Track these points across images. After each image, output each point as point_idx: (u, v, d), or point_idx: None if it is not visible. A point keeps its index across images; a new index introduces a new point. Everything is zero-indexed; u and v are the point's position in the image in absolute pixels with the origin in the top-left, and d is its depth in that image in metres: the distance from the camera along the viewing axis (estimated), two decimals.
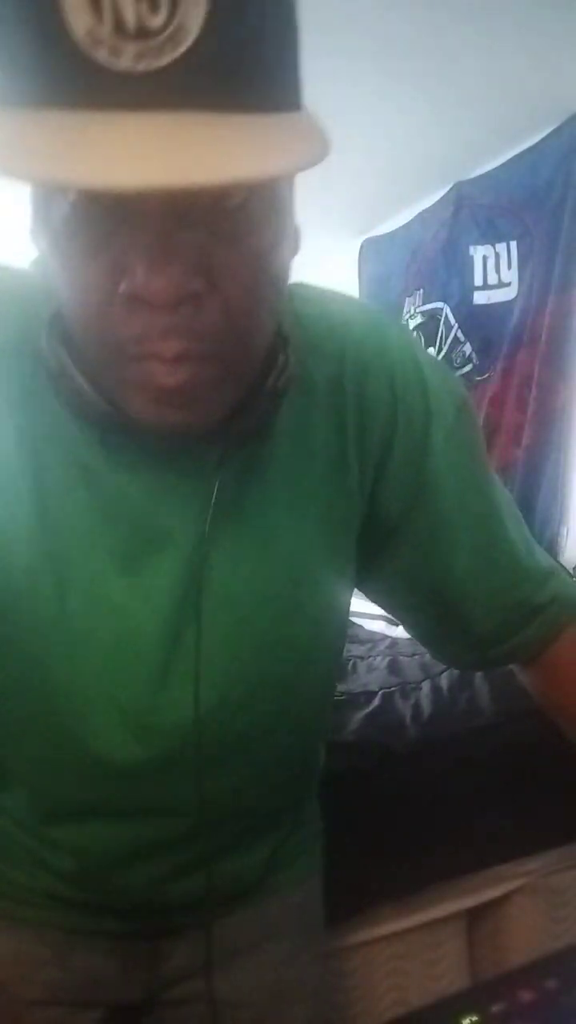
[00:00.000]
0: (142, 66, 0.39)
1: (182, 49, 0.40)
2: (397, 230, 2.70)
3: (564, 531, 2.06)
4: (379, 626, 2.03)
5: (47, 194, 0.47)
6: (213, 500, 0.59)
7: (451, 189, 2.49)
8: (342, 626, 0.74)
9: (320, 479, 0.65)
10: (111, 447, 0.59)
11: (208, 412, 0.52)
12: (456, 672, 1.52)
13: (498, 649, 0.74)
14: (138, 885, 0.70)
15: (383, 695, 1.44)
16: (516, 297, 2.29)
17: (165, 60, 0.39)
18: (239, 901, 0.75)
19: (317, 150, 0.43)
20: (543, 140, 2.16)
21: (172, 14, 0.39)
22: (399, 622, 0.79)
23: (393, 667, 1.60)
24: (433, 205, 2.54)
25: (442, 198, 2.52)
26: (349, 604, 0.73)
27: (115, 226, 0.45)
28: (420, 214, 2.58)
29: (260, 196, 0.48)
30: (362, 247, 2.87)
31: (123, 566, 0.60)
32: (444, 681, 1.49)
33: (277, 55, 0.44)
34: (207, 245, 0.47)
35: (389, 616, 2.16)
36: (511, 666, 0.78)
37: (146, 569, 0.61)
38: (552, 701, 0.77)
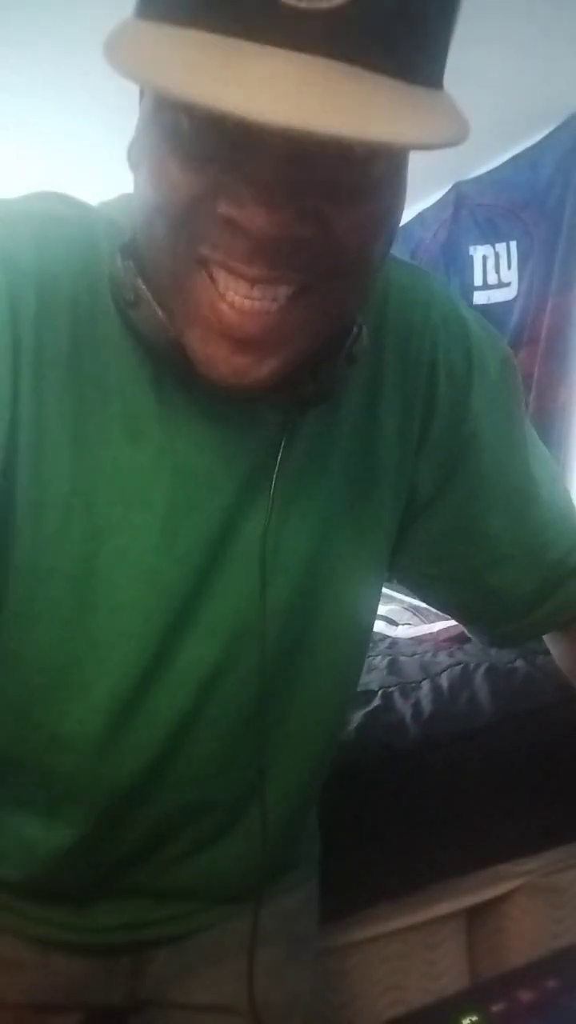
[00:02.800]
0: (306, 3, 0.39)
1: None
2: None
3: None
4: (379, 626, 2.04)
5: (160, 100, 0.45)
6: (276, 470, 0.58)
7: (451, 189, 2.49)
8: (375, 608, 0.73)
9: (356, 451, 0.63)
10: (165, 398, 0.56)
11: (274, 365, 0.49)
12: (456, 672, 1.52)
13: (536, 614, 0.72)
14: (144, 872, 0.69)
15: (383, 694, 1.44)
16: (516, 297, 2.30)
17: (334, 2, 0.39)
18: (232, 903, 0.74)
19: (463, 130, 0.42)
20: (543, 140, 2.16)
21: None
22: (429, 601, 0.77)
23: (393, 667, 1.60)
24: (433, 205, 2.54)
25: (442, 198, 2.53)
26: (382, 585, 0.72)
27: (230, 148, 0.43)
28: (420, 214, 2.58)
29: (387, 158, 0.46)
30: None
31: (160, 523, 0.58)
32: (444, 681, 1.50)
33: (436, 30, 0.43)
34: (322, 192, 0.45)
35: (389, 616, 2.17)
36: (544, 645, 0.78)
37: (183, 529, 0.59)
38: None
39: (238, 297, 0.47)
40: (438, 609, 0.80)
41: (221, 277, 0.47)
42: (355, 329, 0.55)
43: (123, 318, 0.53)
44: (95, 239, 0.56)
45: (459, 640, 1.80)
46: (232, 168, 0.44)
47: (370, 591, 0.70)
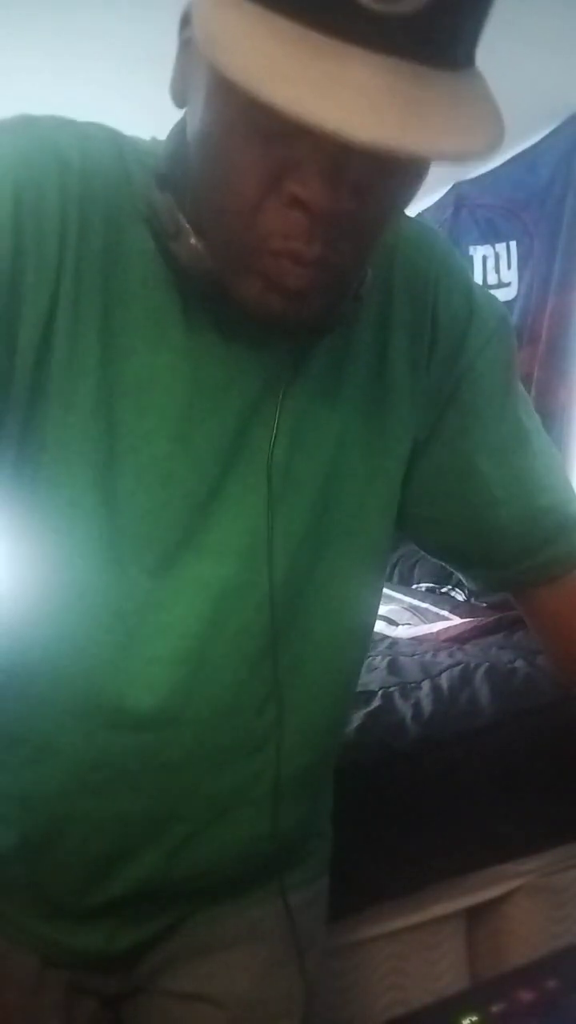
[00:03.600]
0: (382, 6, 0.42)
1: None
2: None
3: None
4: (379, 626, 2.04)
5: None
6: (284, 388, 0.62)
7: (451, 189, 2.50)
8: (388, 548, 0.74)
9: (368, 383, 0.67)
10: (188, 313, 0.59)
11: (310, 310, 0.55)
12: (456, 672, 1.52)
13: (527, 562, 0.73)
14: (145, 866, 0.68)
15: (383, 694, 1.44)
16: (516, 297, 2.30)
17: (408, 7, 0.42)
18: (233, 890, 0.73)
19: (500, 129, 0.47)
20: (543, 140, 2.16)
21: None
22: (426, 546, 0.78)
23: (393, 667, 1.60)
24: (433, 205, 2.55)
25: (442, 198, 2.53)
26: (392, 527, 0.73)
27: (297, 132, 0.45)
28: (420, 214, 2.58)
29: None
30: None
31: (173, 429, 0.60)
32: (444, 681, 1.50)
33: (481, 22, 0.48)
34: (369, 171, 0.49)
35: (389, 616, 2.17)
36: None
37: (197, 436, 0.61)
38: (562, 633, 0.76)
39: (297, 280, 0.53)
40: (433, 555, 0.80)
41: (282, 262, 0.52)
42: (367, 268, 0.60)
43: (159, 245, 0.57)
44: (125, 160, 0.59)
45: (459, 640, 1.80)
46: (298, 148, 0.48)
47: (384, 524, 0.71)
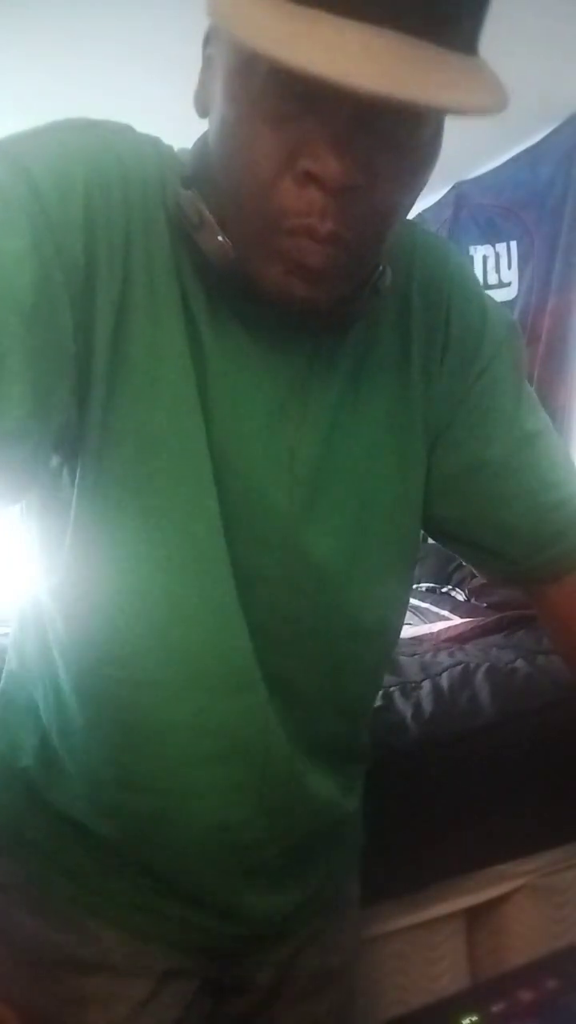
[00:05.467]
0: None
1: None
2: None
3: None
4: None
5: (246, 62, 0.51)
6: (307, 384, 0.64)
7: (451, 189, 2.50)
8: (417, 547, 0.76)
9: (391, 384, 0.69)
10: (219, 318, 0.61)
11: (330, 294, 0.57)
12: (456, 672, 1.52)
13: (537, 558, 0.75)
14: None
15: (383, 694, 1.44)
16: (516, 297, 2.30)
17: None
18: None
19: (505, 97, 0.50)
20: (543, 140, 2.16)
21: None
22: (441, 543, 0.80)
23: (393, 667, 1.60)
24: (433, 205, 2.55)
25: (442, 198, 2.53)
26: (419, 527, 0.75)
27: (307, 107, 0.50)
28: (420, 214, 2.58)
29: (432, 121, 0.54)
30: None
31: (205, 429, 0.62)
32: (444, 681, 1.49)
33: (478, 10, 0.51)
34: (377, 147, 0.52)
35: None
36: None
37: (237, 435, 0.63)
38: (572, 629, 0.78)
39: (313, 257, 0.55)
40: (448, 549, 0.81)
41: (299, 241, 0.54)
42: (380, 267, 0.62)
43: (185, 239, 0.59)
44: (162, 168, 0.61)
45: (459, 640, 1.80)
46: (308, 127, 0.51)
47: (415, 523, 0.74)
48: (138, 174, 0.59)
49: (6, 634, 0.77)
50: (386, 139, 0.52)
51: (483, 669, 1.52)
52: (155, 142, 0.63)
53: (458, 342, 0.71)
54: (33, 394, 0.54)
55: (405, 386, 0.70)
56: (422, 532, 0.77)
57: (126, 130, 0.62)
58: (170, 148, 0.63)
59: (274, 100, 0.51)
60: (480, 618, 1.94)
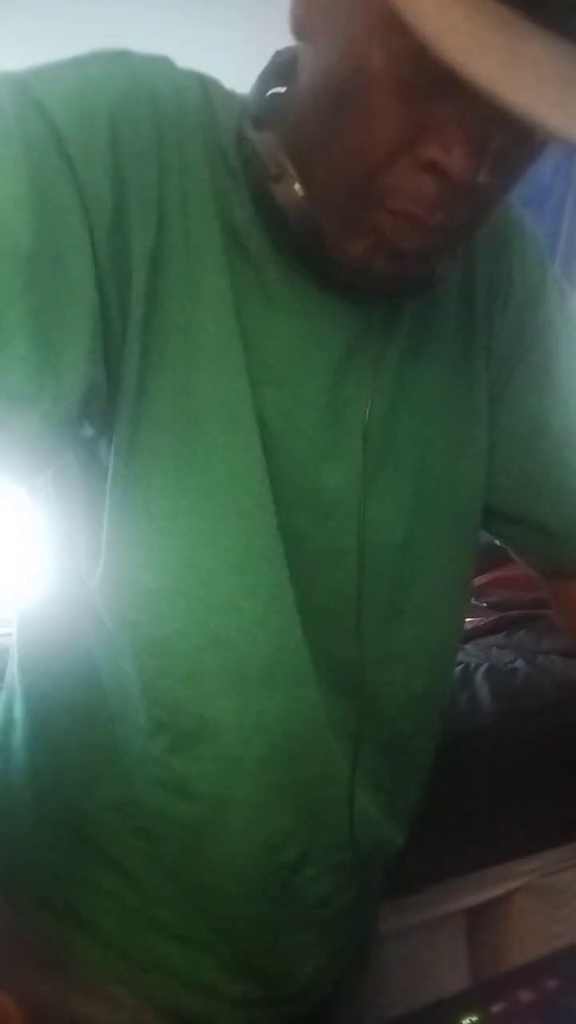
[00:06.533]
0: None
1: None
2: None
3: None
4: None
5: (395, 17, 0.42)
6: (378, 351, 0.60)
7: None
8: (479, 519, 0.71)
9: (455, 341, 0.65)
10: (268, 266, 0.56)
11: (409, 274, 0.54)
12: (456, 672, 1.52)
13: None
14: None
15: None
16: None
17: None
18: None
19: None
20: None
21: None
22: (490, 524, 0.75)
23: None
24: None
25: None
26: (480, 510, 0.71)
27: (451, 91, 0.43)
28: None
29: None
30: None
31: (283, 390, 0.57)
32: None
33: None
34: (508, 147, 0.48)
35: None
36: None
37: (301, 398, 0.58)
38: None
39: (409, 241, 0.51)
40: (492, 528, 0.76)
41: (399, 222, 0.50)
42: None
43: (256, 189, 0.54)
44: (211, 101, 0.56)
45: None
46: (445, 112, 0.46)
47: (477, 497, 0.69)
48: (173, 108, 0.53)
49: (8, 634, 0.75)
50: (519, 141, 0.48)
51: (483, 669, 1.51)
52: (199, 76, 0.56)
53: (520, 295, 0.67)
54: (36, 350, 0.47)
55: (466, 344, 0.65)
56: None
57: (162, 61, 0.55)
58: (219, 83, 0.57)
59: (416, 71, 0.44)
60: (480, 618, 1.94)
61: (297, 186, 0.52)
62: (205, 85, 0.56)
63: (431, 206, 0.49)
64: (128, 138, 0.50)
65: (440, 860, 1.30)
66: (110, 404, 0.53)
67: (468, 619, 2.00)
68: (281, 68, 0.55)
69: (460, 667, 1.53)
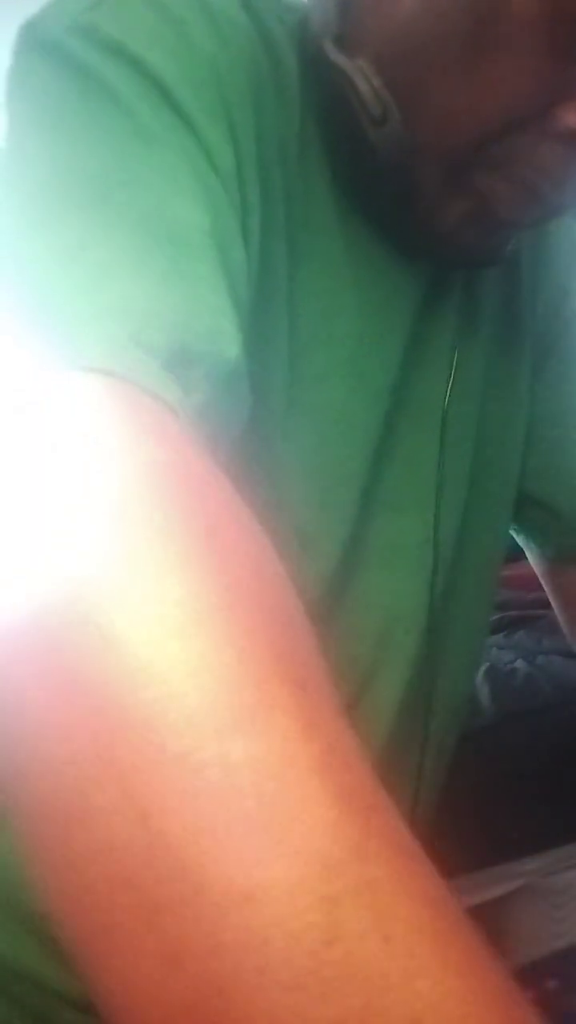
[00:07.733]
0: None
1: None
2: None
3: None
4: None
5: None
6: (452, 325, 0.56)
7: None
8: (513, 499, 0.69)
9: (498, 316, 0.62)
10: (350, 220, 0.49)
11: (496, 246, 0.50)
12: None
13: None
14: None
15: None
16: None
17: None
18: None
19: None
20: None
21: None
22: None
23: None
24: None
25: None
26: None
27: None
28: None
29: None
30: None
31: (350, 364, 0.52)
32: None
33: None
34: None
35: None
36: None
37: (370, 371, 0.52)
38: None
39: (515, 212, 0.45)
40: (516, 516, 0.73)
41: (509, 190, 0.44)
42: None
43: (345, 129, 0.45)
44: (260, 17, 0.46)
45: None
46: None
47: (514, 481, 0.67)
48: (247, 38, 0.44)
49: None
50: None
51: (483, 669, 1.51)
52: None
53: (558, 275, 0.64)
54: (239, 321, 0.40)
55: (511, 320, 0.61)
56: None
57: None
58: None
59: (572, 27, 0.38)
60: None
61: (401, 134, 0.43)
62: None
63: (557, 182, 0.43)
64: (231, 85, 0.42)
65: (439, 860, 1.30)
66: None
67: None
68: None
69: None
